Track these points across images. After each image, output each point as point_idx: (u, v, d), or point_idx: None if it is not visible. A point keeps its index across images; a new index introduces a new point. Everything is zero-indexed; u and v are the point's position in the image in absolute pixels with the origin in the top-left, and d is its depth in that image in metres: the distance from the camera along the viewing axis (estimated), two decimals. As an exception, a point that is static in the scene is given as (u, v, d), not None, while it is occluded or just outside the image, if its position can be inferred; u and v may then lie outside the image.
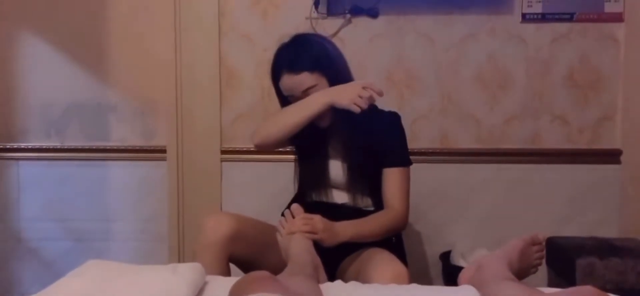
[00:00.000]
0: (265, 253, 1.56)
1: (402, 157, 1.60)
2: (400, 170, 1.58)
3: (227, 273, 1.50)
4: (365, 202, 1.62)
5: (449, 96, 2.15)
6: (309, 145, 1.62)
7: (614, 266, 1.79)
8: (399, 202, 1.56)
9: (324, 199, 1.62)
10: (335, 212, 1.54)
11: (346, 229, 1.48)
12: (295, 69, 1.53)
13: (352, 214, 1.56)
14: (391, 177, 1.57)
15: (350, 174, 1.58)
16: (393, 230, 1.57)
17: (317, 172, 1.62)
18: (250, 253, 1.54)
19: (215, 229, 1.48)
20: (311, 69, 1.53)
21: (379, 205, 1.60)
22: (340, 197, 1.62)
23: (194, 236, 1.56)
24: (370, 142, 1.57)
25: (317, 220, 1.45)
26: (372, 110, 1.60)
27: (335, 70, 1.57)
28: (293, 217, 1.47)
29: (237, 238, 1.49)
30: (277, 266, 1.42)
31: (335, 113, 1.54)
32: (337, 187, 1.62)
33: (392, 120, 1.63)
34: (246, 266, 1.57)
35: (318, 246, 1.42)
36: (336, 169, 1.61)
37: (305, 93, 1.53)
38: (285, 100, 1.60)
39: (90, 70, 2.21)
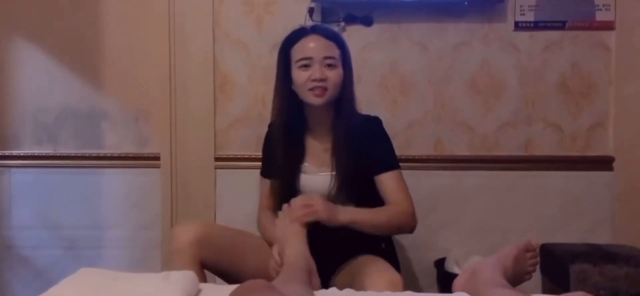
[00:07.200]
0: (240, 259, 1.55)
1: (393, 160, 1.60)
2: (395, 172, 1.57)
3: (201, 278, 1.49)
4: None
5: (443, 103, 2.16)
6: (288, 158, 1.61)
7: (607, 272, 1.80)
8: (404, 199, 1.54)
9: None
10: (323, 227, 1.53)
11: (346, 212, 1.48)
12: (327, 34, 1.58)
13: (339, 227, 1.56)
14: (388, 181, 1.56)
15: (338, 185, 1.56)
16: (400, 225, 1.55)
17: (294, 186, 1.60)
18: (223, 258, 1.54)
19: (181, 236, 1.50)
20: (339, 45, 1.58)
21: None
22: None
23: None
24: (356, 150, 1.56)
25: (316, 199, 1.46)
26: (353, 116, 1.59)
27: (351, 68, 1.61)
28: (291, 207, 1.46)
29: (206, 243, 1.50)
30: (255, 273, 1.43)
31: (335, 113, 1.55)
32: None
33: (375, 125, 1.63)
34: (222, 273, 1.57)
35: (313, 252, 1.41)
36: (319, 182, 1.58)
37: (325, 59, 1.53)
38: (286, 75, 1.58)
39: (83, 76, 2.20)
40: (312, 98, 1.54)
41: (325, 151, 1.60)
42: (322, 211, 1.44)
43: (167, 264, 1.50)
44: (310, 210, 1.44)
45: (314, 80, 1.52)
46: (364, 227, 1.49)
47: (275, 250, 1.47)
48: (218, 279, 1.62)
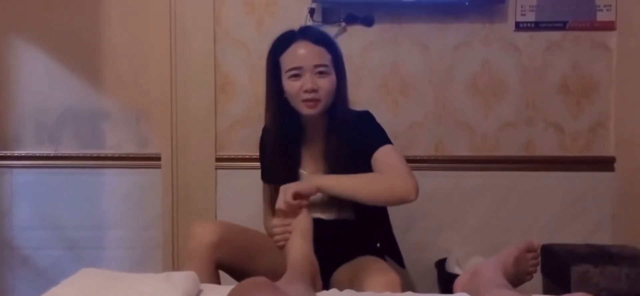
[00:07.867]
0: (254, 260, 1.54)
1: (384, 139, 1.52)
2: (389, 146, 1.50)
3: (216, 279, 1.49)
4: (347, 214, 1.58)
5: (444, 103, 2.16)
6: (284, 165, 1.58)
7: (609, 273, 1.80)
8: (400, 167, 1.44)
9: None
10: (321, 228, 1.51)
11: (329, 177, 1.46)
12: (316, 38, 1.50)
13: (334, 228, 1.55)
14: (382, 154, 1.47)
15: None
16: (396, 190, 1.41)
17: None
18: (238, 259, 1.53)
19: (201, 236, 1.47)
20: (330, 50, 1.51)
21: (361, 216, 1.56)
22: (317, 215, 1.57)
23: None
24: (351, 150, 1.52)
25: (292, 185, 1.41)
26: (347, 119, 1.55)
27: (344, 71, 1.56)
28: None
29: (224, 245, 1.47)
30: (267, 273, 1.41)
31: (330, 119, 1.53)
32: (315, 205, 1.54)
33: (365, 119, 1.58)
34: (236, 273, 1.56)
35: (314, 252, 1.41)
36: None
37: (316, 68, 1.47)
38: (277, 83, 1.53)
39: (84, 76, 2.20)
40: (305, 110, 1.50)
41: (319, 156, 1.57)
42: (299, 184, 1.40)
43: (183, 263, 1.48)
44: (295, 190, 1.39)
45: (306, 91, 1.48)
46: (352, 189, 1.43)
47: (276, 220, 1.42)
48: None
